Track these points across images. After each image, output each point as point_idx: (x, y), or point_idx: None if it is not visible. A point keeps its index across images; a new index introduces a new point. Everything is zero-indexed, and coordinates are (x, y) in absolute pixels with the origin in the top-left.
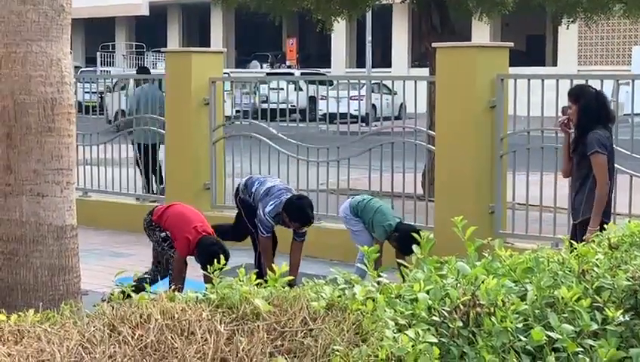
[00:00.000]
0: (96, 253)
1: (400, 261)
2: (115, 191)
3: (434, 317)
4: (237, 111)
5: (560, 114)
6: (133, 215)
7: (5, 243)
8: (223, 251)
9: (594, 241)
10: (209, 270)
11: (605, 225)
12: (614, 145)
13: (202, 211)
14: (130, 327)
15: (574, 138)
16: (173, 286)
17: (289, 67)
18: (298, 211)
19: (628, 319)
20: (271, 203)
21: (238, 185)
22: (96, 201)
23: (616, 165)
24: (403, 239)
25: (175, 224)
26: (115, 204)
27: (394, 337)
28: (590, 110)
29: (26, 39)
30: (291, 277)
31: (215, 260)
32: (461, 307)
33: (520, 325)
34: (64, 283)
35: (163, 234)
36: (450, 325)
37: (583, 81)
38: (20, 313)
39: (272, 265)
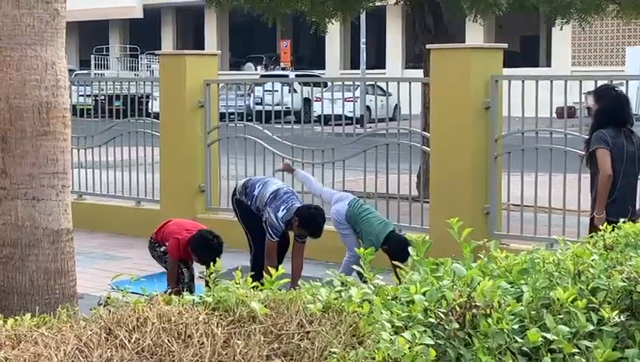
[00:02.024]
0: (91, 256)
1: (395, 263)
2: (111, 194)
3: (430, 319)
4: (230, 114)
5: (554, 115)
6: (129, 218)
7: (1, 247)
8: (215, 237)
9: (589, 242)
10: (206, 272)
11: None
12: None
13: (197, 213)
14: (127, 331)
15: (587, 138)
16: (168, 290)
17: (283, 69)
18: (312, 222)
19: (623, 319)
20: (282, 207)
21: (235, 186)
22: (92, 204)
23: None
24: (392, 251)
25: (169, 232)
26: (110, 207)
27: (390, 339)
28: (606, 112)
29: (21, 43)
30: (297, 286)
31: (207, 246)
32: (457, 308)
33: (516, 326)
34: (60, 286)
35: (162, 249)
36: (447, 327)
37: (577, 82)
38: (16, 317)
39: (269, 268)
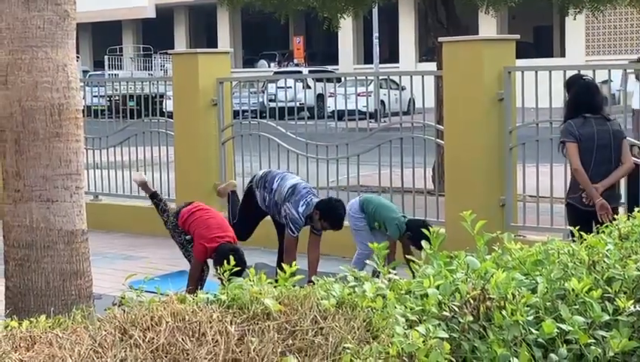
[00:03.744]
0: (108, 256)
1: (409, 257)
2: (126, 195)
3: (444, 313)
4: (244, 112)
5: None
6: (145, 218)
7: (16, 249)
8: (240, 258)
9: (604, 232)
10: (219, 271)
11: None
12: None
13: None
14: (141, 330)
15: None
16: (187, 289)
17: (297, 65)
18: (333, 213)
19: (639, 309)
20: (302, 203)
21: (253, 177)
22: (108, 205)
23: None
24: (417, 234)
25: (196, 230)
26: (126, 208)
27: (404, 333)
28: (573, 101)
29: (32, 45)
30: (313, 278)
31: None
32: (471, 301)
33: (531, 318)
34: (76, 287)
35: (188, 237)
36: (461, 320)
37: (590, 72)
38: (31, 319)
39: (283, 264)
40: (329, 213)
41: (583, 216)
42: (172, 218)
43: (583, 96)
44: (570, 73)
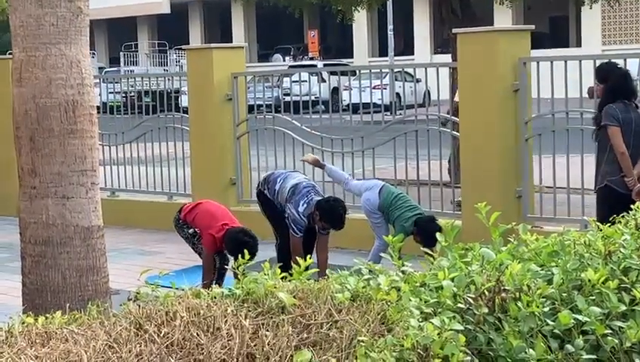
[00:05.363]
0: (126, 252)
1: (426, 250)
2: (143, 190)
3: (459, 305)
4: (259, 106)
5: (586, 95)
6: (161, 213)
7: (33, 245)
8: (251, 237)
9: (620, 222)
10: (234, 265)
11: None
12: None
13: (229, 206)
14: (156, 325)
15: (596, 114)
16: (202, 283)
17: (311, 59)
18: (332, 214)
19: None
20: (302, 202)
21: (258, 183)
22: (125, 201)
23: None
24: (422, 234)
25: (201, 222)
26: (143, 203)
27: (419, 326)
28: (613, 89)
29: (45, 42)
30: (325, 276)
31: (243, 248)
32: (486, 293)
33: (547, 309)
34: (92, 283)
35: (191, 231)
36: (476, 312)
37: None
38: (47, 315)
39: (298, 258)
40: (327, 214)
41: (619, 199)
42: (176, 214)
43: (622, 84)
44: (586, 63)
